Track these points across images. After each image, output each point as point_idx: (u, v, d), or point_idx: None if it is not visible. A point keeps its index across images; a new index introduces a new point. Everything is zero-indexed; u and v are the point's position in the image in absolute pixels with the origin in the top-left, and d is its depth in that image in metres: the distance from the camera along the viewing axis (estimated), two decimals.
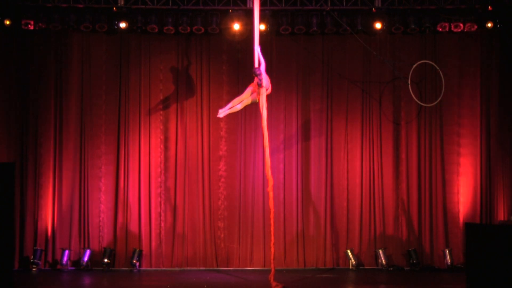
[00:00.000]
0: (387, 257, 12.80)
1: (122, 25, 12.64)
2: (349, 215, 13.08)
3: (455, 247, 12.85)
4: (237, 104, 10.78)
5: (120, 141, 12.98)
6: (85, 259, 12.54)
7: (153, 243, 12.86)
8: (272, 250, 10.53)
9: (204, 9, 12.73)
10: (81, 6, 12.57)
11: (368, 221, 13.03)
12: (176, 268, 12.83)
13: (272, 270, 10.39)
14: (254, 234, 12.99)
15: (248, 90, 10.72)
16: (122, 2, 12.65)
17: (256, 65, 10.61)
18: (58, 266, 12.62)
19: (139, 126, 13.05)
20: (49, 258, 12.71)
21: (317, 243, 13.00)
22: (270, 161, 10.58)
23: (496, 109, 13.07)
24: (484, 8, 12.72)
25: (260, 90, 10.55)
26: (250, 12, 10.70)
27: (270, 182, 10.49)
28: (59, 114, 12.94)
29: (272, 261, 10.48)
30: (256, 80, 10.56)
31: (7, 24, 12.53)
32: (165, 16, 12.71)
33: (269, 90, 10.70)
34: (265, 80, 10.58)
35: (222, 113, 10.86)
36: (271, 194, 10.51)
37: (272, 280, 10.28)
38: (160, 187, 12.99)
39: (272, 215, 10.54)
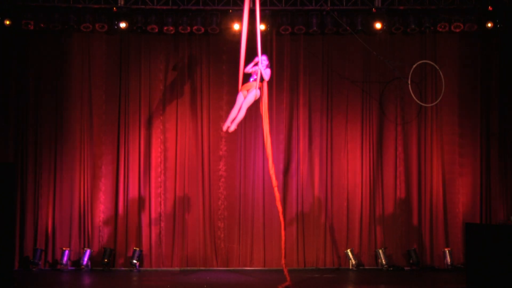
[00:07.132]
0: (387, 257, 12.79)
1: (122, 25, 12.63)
2: (349, 215, 13.07)
3: (455, 247, 12.85)
4: (236, 113, 10.54)
5: (120, 141, 12.97)
6: (85, 259, 12.54)
7: (153, 243, 12.85)
8: (283, 237, 10.40)
9: (204, 9, 12.73)
10: (81, 6, 12.57)
11: (368, 221, 13.02)
12: (176, 268, 12.82)
13: (283, 260, 10.36)
14: (254, 234, 12.97)
15: (240, 97, 10.48)
16: (122, 2, 12.64)
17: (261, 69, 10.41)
18: (58, 266, 12.61)
19: (139, 126, 13.03)
20: (49, 258, 12.70)
21: (317, 243, 12.98)
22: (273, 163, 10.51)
23: (496, 109, 13.07)
24: (484, 8, 12.71)
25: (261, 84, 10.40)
26: (250, 12, 10.67)
27: (274, 183, 10.41)
28: (59, 114, 12.94)
29: (283, 251, 10.39)
30: (256, 70, 10.35)
31: (7, 24, 12.52)
32: (165, 16, 12.70)
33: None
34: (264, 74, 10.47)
35: (232, 126, 10.51)
36: (277, 195, 10.43)
37: (287, 274, 10.28)
38: (160, 187, 12.98)
39: (279, 208, 10.46)
